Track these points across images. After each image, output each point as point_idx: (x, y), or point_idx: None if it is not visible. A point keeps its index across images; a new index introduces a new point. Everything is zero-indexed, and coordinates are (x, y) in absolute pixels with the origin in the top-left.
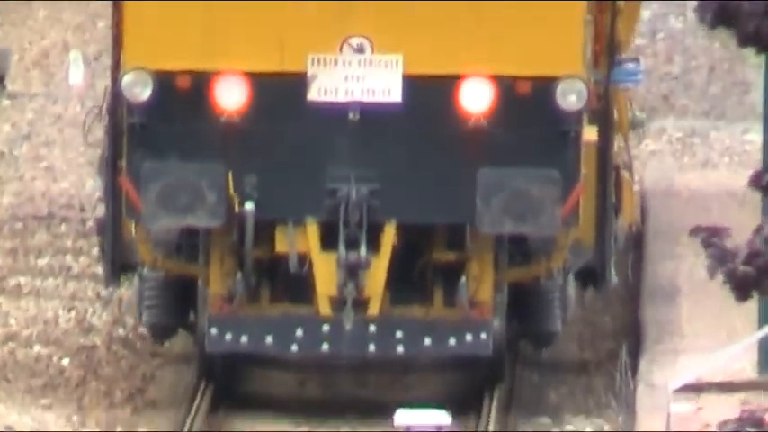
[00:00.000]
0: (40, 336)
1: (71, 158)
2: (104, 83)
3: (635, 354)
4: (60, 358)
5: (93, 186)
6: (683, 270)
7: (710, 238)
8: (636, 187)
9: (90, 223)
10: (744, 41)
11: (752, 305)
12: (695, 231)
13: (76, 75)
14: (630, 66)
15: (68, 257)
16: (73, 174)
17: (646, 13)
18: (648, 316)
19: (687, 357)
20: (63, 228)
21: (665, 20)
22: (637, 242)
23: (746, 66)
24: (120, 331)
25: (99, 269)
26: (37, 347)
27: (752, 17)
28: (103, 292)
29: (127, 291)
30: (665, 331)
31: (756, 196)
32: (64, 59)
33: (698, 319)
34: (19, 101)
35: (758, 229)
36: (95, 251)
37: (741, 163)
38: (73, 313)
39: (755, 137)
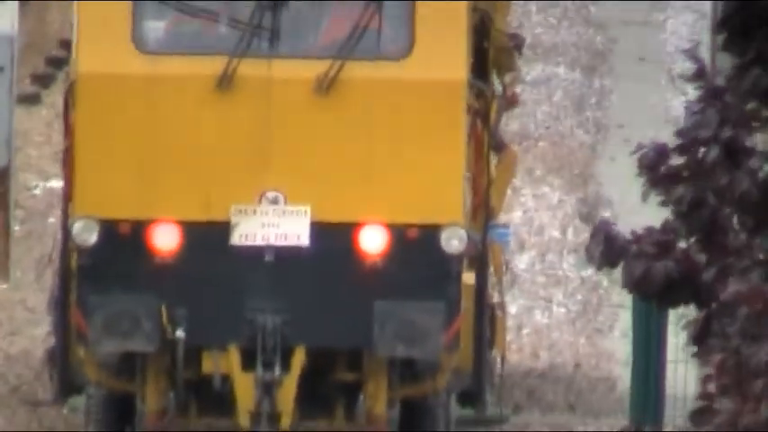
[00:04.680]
0: None
1: None
2: None
3: None
4: None
5: None
6: None
7: None
8: None
9: None
10: (631, 286)
11: None
12: None
13: None
14: (502, 229)
15: None
16: None
17: (512, 308)
18: None
19: None
20: None
21: (530, 315)
22: None
23: (612, 362)
24: None
25: None
26: None
27: (640, 260)
28: None
29: None
30: None
31: None
32: None
33: None
34: None
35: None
36: None
37: None
38: None
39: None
